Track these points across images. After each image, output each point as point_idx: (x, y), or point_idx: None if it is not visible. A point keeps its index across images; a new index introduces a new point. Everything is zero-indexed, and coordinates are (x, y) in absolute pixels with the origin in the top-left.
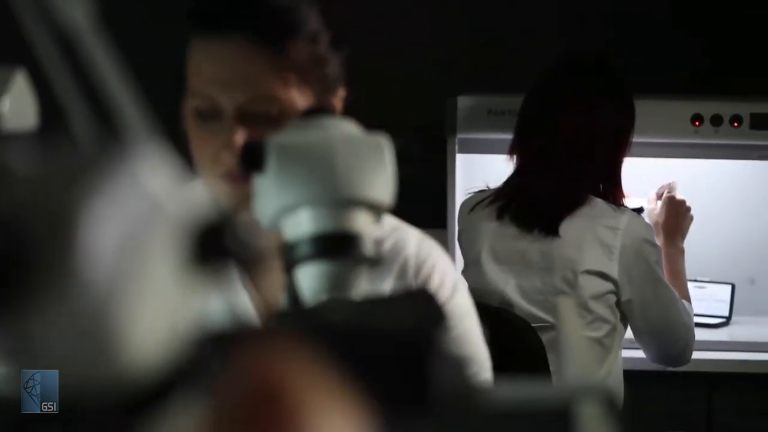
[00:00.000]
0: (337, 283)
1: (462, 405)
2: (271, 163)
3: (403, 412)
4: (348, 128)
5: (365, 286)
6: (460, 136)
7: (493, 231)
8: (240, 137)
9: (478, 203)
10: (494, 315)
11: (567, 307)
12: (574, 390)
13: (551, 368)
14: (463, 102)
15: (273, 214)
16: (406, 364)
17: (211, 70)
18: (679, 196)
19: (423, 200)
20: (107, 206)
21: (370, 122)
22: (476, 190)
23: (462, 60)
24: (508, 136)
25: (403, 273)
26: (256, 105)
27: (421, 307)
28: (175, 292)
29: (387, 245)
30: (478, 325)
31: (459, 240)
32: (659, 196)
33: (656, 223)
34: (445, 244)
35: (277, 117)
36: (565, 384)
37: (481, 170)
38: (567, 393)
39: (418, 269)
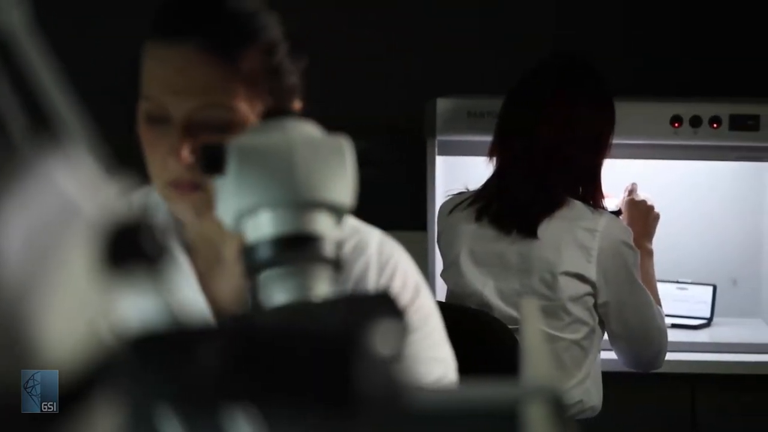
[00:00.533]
0: (298, 285)
1: (389, 406)
2: (232, 164)
3: (328, 413)
4: (309, 130)
5: (326, 287)
6: (439, 138)
7: (471, 233)
8: (186, 145)
9: (457, 205)
10: (472, 317)
11: (529, 307)
12: (522, 391)
13: None
14: (443, 104)
15: (234, 216)
16: (332, 366)
17: (162, 75)
18: (640, 196)
19: (403, 203)
20: (17, 207)
21: (350, 124)
22: (455, 192)
23: (442, 62)
24: (488, 138)
25: (364, 274)
26: (204, 113)
27: (381, 309)
28: (91, 292)
29: (348, 246)
30: (442, 326)
31: (438, 242)
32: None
33: (641, 234)
34: (425, 246)
35: (225, 126)
36: (515, 385)
37: (464, 173)
38: (516, 394)
39: (380, 270)
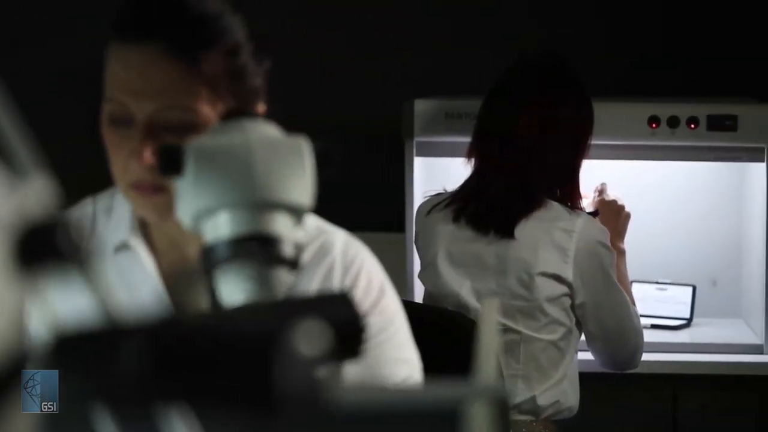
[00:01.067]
0: (255, 286)
1: (311, 406)
2: (189, 165)
3: (250, 412)
4: (268, 131)
5: (285, 288)
6: (417, 139)
7: (449, 233)
8: (147, 147)
9: (434, 206)
10: (449, 319)
11: (489, 307)
12: (466, 391)
13: (508, 372)
14: (421, 105)
15: (192, 216)
16: (253, 366)
17: (125, 77)
18: (610, 196)
19: (382, 204)
20: None
21: (329, 124)
22: (433, 193)
23: (420, 63)
24: (466, 139)
25: (329, 275)
26: (166, 115)
27: (339, 310)
28: (7, 291)
29: (313, 247)
30: (408, 327)
31: (416, 242)
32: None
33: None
34: (404, 247)
35: (188, 128)
36: (459, 386)
37: (445, 174)
38: (459, 394)
39: (345, 271)
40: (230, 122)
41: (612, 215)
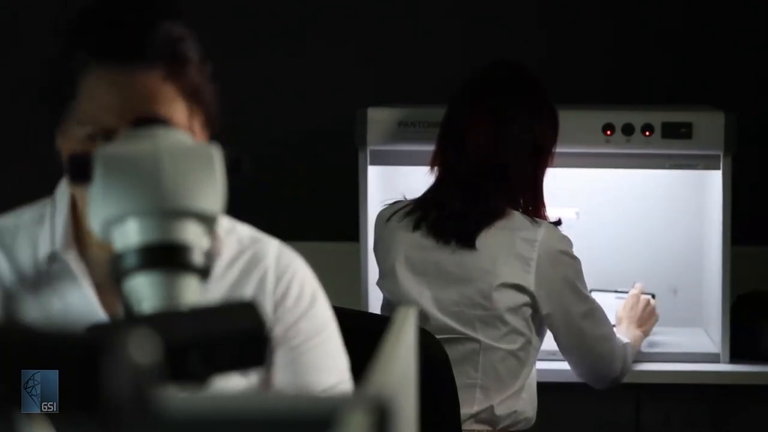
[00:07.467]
0: (164, 293)
1: (136, 413)
2: (98, 173)
3: (78, 416)
4: (178, 138)
5: (194, 295)
6: (371, 147)
7: (409, 241)
8: None
9: (394, 213)
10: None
11: (404, 315)
12: (344, 400)
13: (466, 381)
14: (374, 113)
15: (102, 224)
16: (81, 372)
17: (107, 99)
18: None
19: (337, 212)
20: None
21: (283, 134)
22: (391, 201)
23: (372, 71)
24: (420, 148)
25: (263, 283)
26: None
27: (243, 319)
28: None
29: (247, 256)
30: (339, 335)
31: (375, 250)
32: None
33: (629, 317)
34: (359, 256)
35: None
36: (339, 394)
37: (403, 182)
38: (337, 403)
39: (278, 279)
40: (140, 129)
41: (645, 315)
